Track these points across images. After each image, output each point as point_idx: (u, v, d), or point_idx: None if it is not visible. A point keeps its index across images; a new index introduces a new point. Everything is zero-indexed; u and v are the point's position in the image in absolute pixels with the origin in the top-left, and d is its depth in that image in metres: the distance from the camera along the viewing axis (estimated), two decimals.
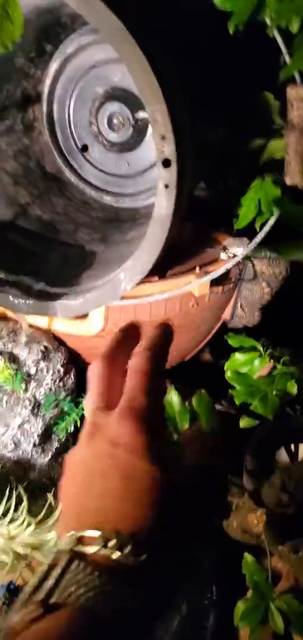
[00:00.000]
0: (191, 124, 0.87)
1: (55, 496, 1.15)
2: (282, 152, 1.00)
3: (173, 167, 0.77)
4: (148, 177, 1.35)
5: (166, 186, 0.80)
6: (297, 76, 0.89)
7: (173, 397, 0.87)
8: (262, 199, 0.94)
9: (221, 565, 1.01)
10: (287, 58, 0.86)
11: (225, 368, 1.03)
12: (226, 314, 1.26)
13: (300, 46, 0.81)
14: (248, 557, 0.84)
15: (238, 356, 1.04)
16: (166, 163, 0.77)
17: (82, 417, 1.26)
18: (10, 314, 1.30)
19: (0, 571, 1.05)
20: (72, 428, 1.27)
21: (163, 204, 0.83)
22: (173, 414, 0.87)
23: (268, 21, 0.82)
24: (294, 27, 0.79)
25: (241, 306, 1.24)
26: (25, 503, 1.12)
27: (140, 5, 0.79)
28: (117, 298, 0.99)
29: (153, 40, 0.77)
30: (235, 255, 1.08)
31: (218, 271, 1.05)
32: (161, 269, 1.10)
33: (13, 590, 0.96)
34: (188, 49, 0.96)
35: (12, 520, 1.10)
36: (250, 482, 0.97)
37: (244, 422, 1.03)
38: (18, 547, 1.08)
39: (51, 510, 1.14)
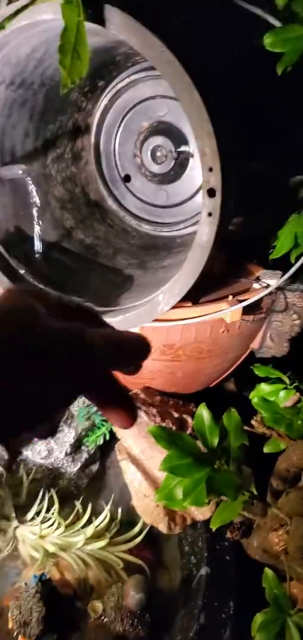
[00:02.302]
0: (234, 157, 0.94)
1: (82, 504, 1.21)
2: None
3: (218, 197, 0.84)
4: (185, 209, 1.43)
5: (210, 214, 0.86)
6: None
7: (203, 412, 0.92)
8: (299, 233, 1.00)
9: (239, 583, 1.05)
10: None
11: (251, 396, 1.07)
12: (254, 344, 1.31)
13: None
14: (268, 571, 0.87)
15: (264, 386, 1.08)
16: (211, 193, 0.84)
17: (111, 432, 1.31)
18: None
19: (31, 566, 1.12)
20: (102, 441, 1.32)
21: (205, 231, 0.89)
22: (203, 428, 0.91)
23: None
24: None
25: (270, 336, 1.29)
26: (56, 505, 1.18)
27: (196, 46, 0.87)
28: (154, 318, 1.06)
29: (205, 77, 0.85)
30: (268, 286, 1.14)
31: (250, 299, 1.10)
32: (194, 296, 1.16)
33: (45, 581, 1.01)
34: (236, 85, 1.03)
35: (43, 521, 1.16)
36: (274, 499, 1.01)
37: (269, 448, 1.07)
38: (48, 546, 1.14)
39: (78, 516, 1.20)
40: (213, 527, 0.84)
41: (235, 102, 1.04)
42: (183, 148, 1.30)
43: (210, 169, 0.83)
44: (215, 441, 0.89)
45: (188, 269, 0.96)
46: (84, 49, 0.78)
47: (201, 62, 0.90)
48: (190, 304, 1.16)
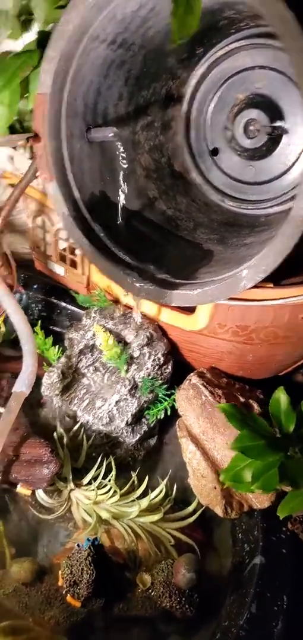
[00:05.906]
0: None
1: (138, 476, 1.19)
2: None
3: None
4: (273, 187, 1.38)
5: None
6: None
7: (281, 396, 0.88)
8: None
9: (295, 578, 1.00)
10: None
11: None
12: None
13: None
14: None
15: None
16: None
17: (173, 407, 1.29)
18: (122, 297, 1.37)
19: (82, 529, 1.12)
20: (163, 415, 1.30)
21: (301, 206, 0.84)
22: (279, 412, 0.87)
23: None
24: None
25: None
26: (113, 473, 1.17)
27: None
28: (236, 293, 1.02)
29: None
30: None
31: None
32: (276, 277, 1.11)
33: (97, 546, 1.00)
34: None
35: (99, 487, 1.16)
36: None
37: None
38: (101, 512, 1.13)
39: (133, 487, 1.19)
40: (281, 515, 0.80)
41: None
42: (278, 123, 1.25)
43: None
44: (291, 427, 0.85)
45: (278, 245, 0.92)
46: (198, 2, 0.75)
47: None
48: (271, 285, 1.11)
